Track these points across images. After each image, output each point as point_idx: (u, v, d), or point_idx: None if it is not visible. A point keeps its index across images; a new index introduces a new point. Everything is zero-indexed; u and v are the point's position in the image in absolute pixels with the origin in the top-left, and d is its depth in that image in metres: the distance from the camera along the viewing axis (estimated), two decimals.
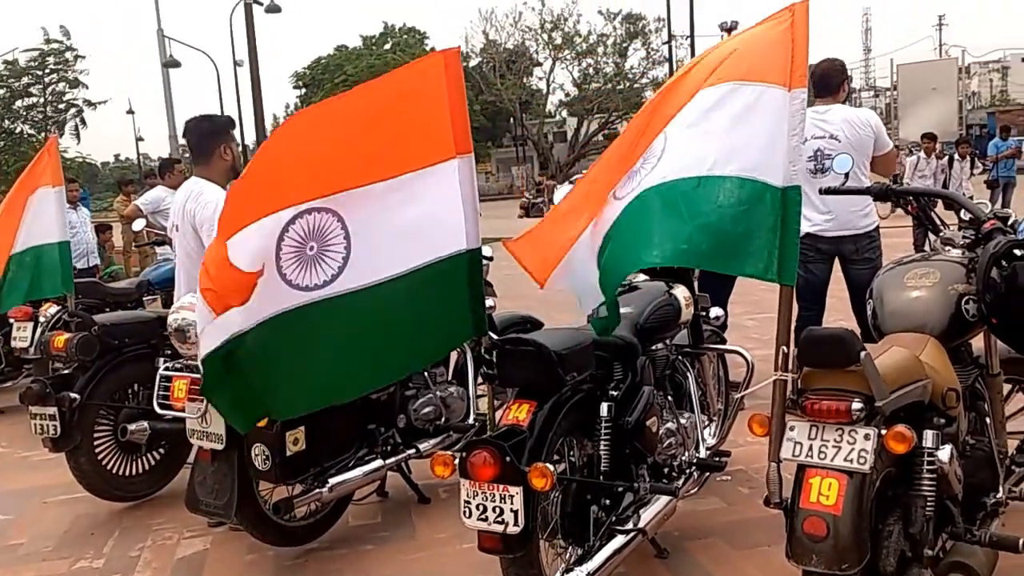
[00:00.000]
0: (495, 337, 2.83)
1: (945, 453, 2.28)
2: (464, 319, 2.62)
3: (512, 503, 2.41)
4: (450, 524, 3.69)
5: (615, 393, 2.90)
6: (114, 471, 4.13)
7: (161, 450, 4.28)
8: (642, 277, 3.55)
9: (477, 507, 2.46)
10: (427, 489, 4.00)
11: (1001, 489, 2.70)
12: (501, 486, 2.42)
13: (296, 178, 2.46)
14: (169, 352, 4.17)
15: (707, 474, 3.36)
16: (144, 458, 4.23)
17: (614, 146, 2.85)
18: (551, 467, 2.42)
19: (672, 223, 2.45)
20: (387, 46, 46.09)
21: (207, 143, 3.69)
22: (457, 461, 2.49)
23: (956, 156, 13.04)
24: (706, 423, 3.66)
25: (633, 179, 2.56)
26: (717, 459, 3.35)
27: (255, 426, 3.00)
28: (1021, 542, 2.30)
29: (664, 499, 2.99)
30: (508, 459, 2.41)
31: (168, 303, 6.46)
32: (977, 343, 2.91)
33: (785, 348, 2.18)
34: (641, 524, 2.83)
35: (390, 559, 3.40)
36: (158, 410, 3.24)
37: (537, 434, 2.57)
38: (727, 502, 3.70)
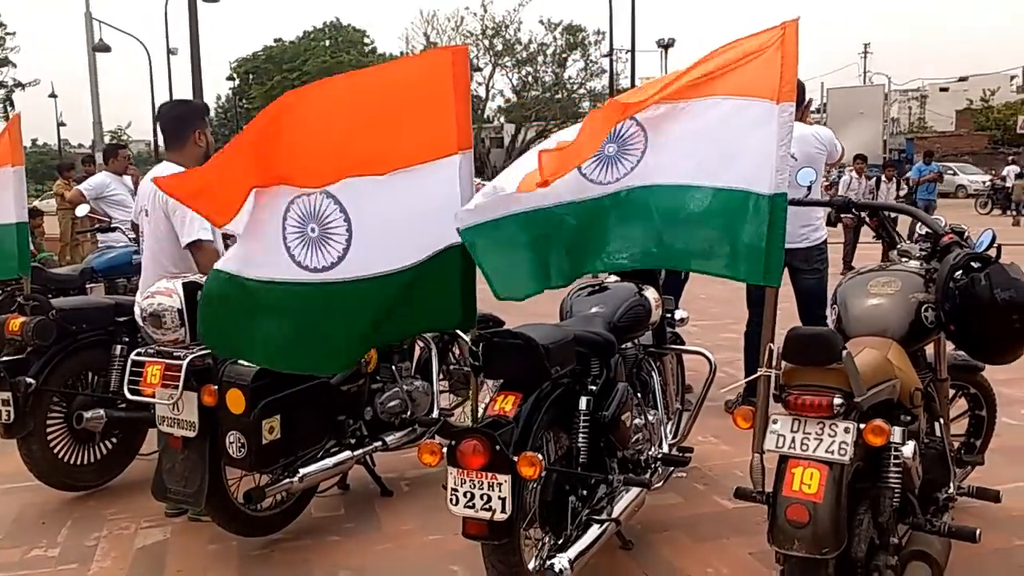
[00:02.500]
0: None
1: (909, 449, 2.43)
2: (454, 309, 2.68)
3: (500, 491, 2.47)
4: (414, 516, 3.72)
5: (593, 388, 2.98)
6: (65, 459, 4.02)
7: (113, 440, 4.19)
8: (613, 278, 3.65)
9: (465, 495, 2.51)
10: (390, 483, 4.02)
11: (952, 485, 2.88)
12: (490, 474, 2.47)
13: (296, 160, 2.50)
14: (127, 339, 4.11)
15: (671, 469, 3.47)
16: (96, 447, 4.13)
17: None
18: (540, 456, 2.49)
19: (664, 226, 2.56)
20: (326, 42, 45.55)
21: (182, 128, 3.64)
22: (445, 450, 2.54)
23: (883, 178, 13.65)
24: (664, 421, 3.78)
25: (610, 168, 2.63)
26: (682, 454, 3.47)
27: (228, 410, 3.03)
28: (978, 532, 2.47)
29: (634, 491, 3.09)
30: (498, 448, 2.47)
31: (111, 291, 6.32)
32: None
33: (771, 345, 2.30)
34: (615, 514, 2.92)
35: (358, 549, 3.41)
36: (128, 396, 3.18)
37: (523, 425, 2.64)
38: (684, 497, 3.83)
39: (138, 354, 3.20)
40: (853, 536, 2.29)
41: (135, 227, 3.87)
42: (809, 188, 3.60)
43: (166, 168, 3.61)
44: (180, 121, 3.67)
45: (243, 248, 2.67)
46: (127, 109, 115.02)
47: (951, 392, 3.37)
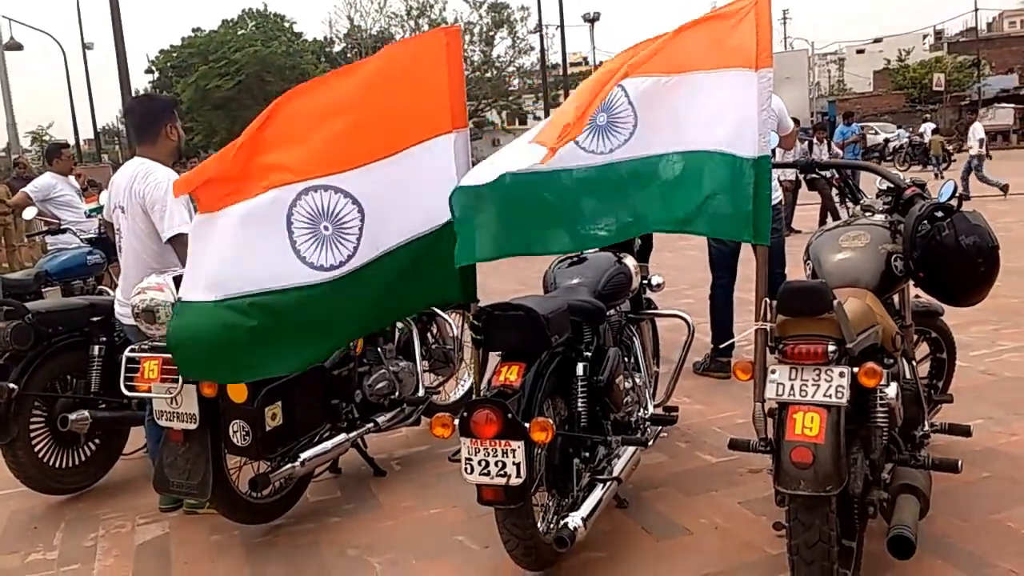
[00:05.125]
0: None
1: (893, 390, 2.60)
2: (454, 283, 2.76)
3: (514, 456, 2.57)
4: (411, 493, 3.80)
5: (588, 354, 3.10)
6: (51, 463, 3.98)
7: (96, 441, 4.16)
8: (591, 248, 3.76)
9: (479, 463, 2.60)
10: (382, 463, 4.09)
11: (925, 423, 3.08)
12: (503, 441, 2.57)
13: (297, 155, 2.53)
14: (104, 339, 4.08)
15: (659, 428, 3.61)
16: (81, 449, 4.10)
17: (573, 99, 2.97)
18: (551, 421, 2.60)
19: (652, 194, 2.68)
20: (241, 32, 44.46)
21: (153, 123, 3.60)
22: (457, 421, 2.63)
23: (814, 140, 14.04)
24: (648, 383, 3.93)
25: (602, 137, 2.72)
26: (668, 413, 3.62)
27: (230, 400, 3.06)
28: (960, 463, 2.66)
29: (631, 450, 3.22)
30: (510, 416, 2.57)
31: (68, 293, 6.19)
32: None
33: (768, 299, 2.44)
34: (615, 473, 3.05)
35: (362, 528, 3.47)
36: (125, 392, 3.18)
37: (528, 393, 2.74)
38: (669, 455, 3.98)
39: (132, 350, 3.19)
40: (849, 474, 2.45)
41: (109, 225, 3.82)
42: (772, 152, 3.77)
43: (141, 164, 3.59)
44: (150, 116, 3.63)
45: (230, 265, 2.60)
46: (46, 110, 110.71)
47: (914, 337, 3.58)
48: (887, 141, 29.74)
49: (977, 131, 16.60)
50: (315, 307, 2.58)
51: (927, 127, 27.20)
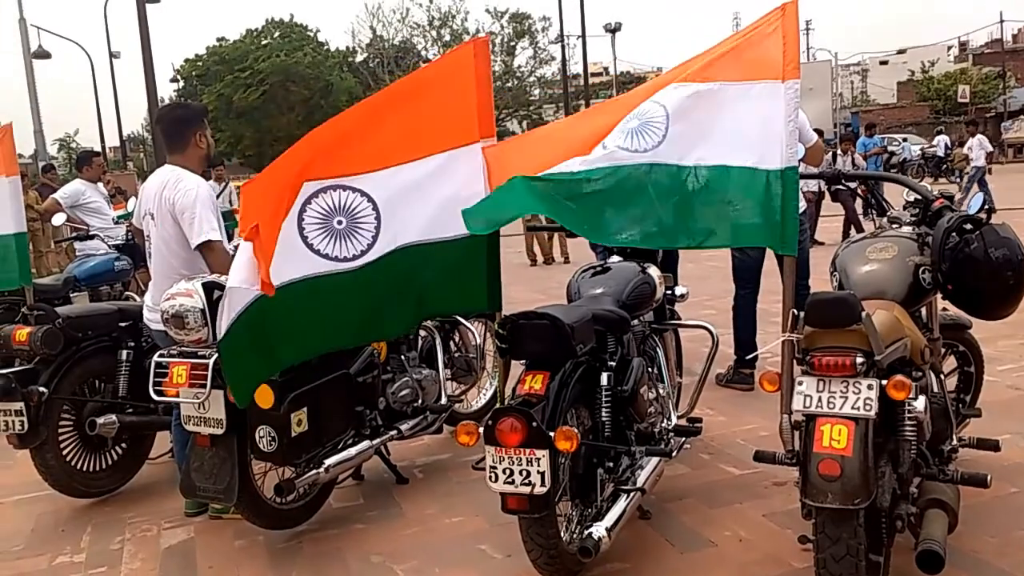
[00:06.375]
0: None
1: (921, 403, 2.58)
2: (480, 291, 2.78)
3: (539, 465, 2.57)
4: (434, 501, 3.81)
5: (612, 364, 3.09)
6: (78, 467, 4.02)
7: (123, 445, 4.20)
8: (615, 258, 3.76)
9: (504, 471, 2.61)
10: (404, 471, 4.10)
11: (953, 437, 3.06)
12: (528, 450, 2.58)
13: (319, 155, 2.57)
14: (132, 344, 4.12)
15: (683, 439, 3.60)
16: (108, 453, 4.14)
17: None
18: (575, 430, 2.60)
19: (686, 207, 2.68)
20: (265, 42, 44.90)
21: (182, 131, 3.65)
22: (482, 429, 2.63)
23: (839, 152, 13.95)
24: (672, 394, 3.91)
25: (635, 138, 2.72)
26: (692, 424, 3.61)
27: (256, 406, 3.09)
28: (988, 477, 2.63)
29: (654, 461, 3.21)
30: (534, 424, 2.57)
31: (95, 298, 6.28)
32: None
33: (795, 311, 2.43)
34: (640, 484, 3.04)
35: (385, 535, 3.48)
36: (154, 397, 3.21)
37: (553, 402, 2.74)
38: (693, 467, 3.96)
39: (161, 355, 3.22)
40: (877, 488, 2.43)
41: (139, 231, 3.86)
42: (798, 163, 3.76)
43: (171, 172, 3.63)
44: (180, 123, 3.67)
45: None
46: (72, 117, 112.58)
47: (942, 350, 3.55)
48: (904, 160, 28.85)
49: (984, 143, 16.45)
50: (333, 296, 2.63)
51: (941, 139, 26.93)
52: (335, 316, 2.73)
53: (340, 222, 2.63)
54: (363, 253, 2.61)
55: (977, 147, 16.57)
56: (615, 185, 2.68)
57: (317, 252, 2.66)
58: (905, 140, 30.82)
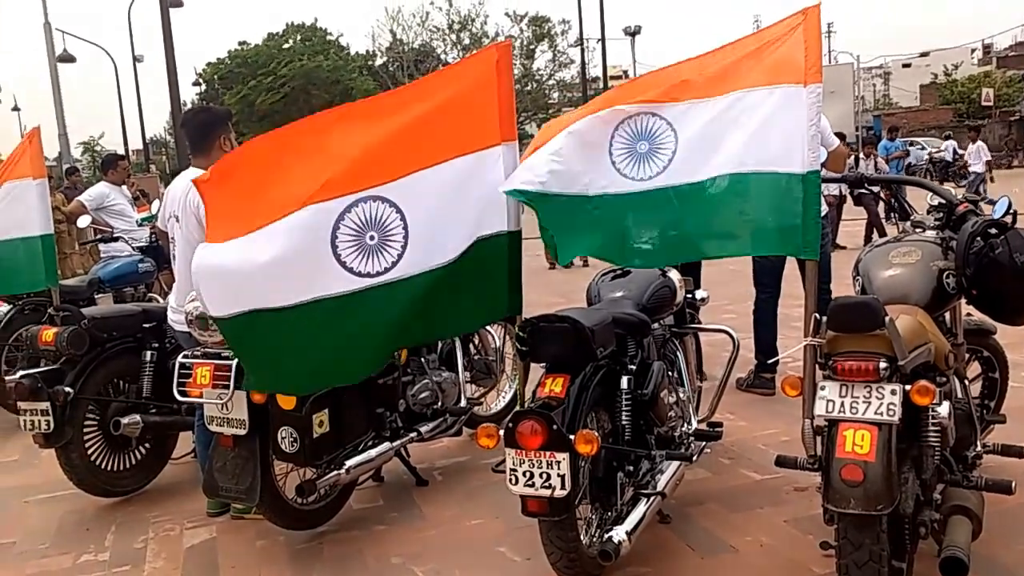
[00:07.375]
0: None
1: (945, 408, 2.56)
2: (501, 297, 2.79)
3: (559, 468, 2.57)
4: (454, 503, 3.82)
5: (632, 367, 3.09)
6: (102, 466, 4.07)
7: (147, 445, 4.25)
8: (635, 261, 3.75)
9: (524, 474, 2.61)
10: (424, 473, 4.11)
11: (978, 443, 3.03)
12: (548, 452, 2.58)
13: (345, 168, 2.57)
14: (156, 345, 4.17)
15: (704, 443, 3.59)
16: (132, 453, 4.19)
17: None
18: (596, 433, 2.60)
19: (697, 220, 2.69)
20: (287, 46, 45.19)
21: (207, 134, 3.69)
22: (502, 432, 2.64)
23: (861, 156, 13.86)
24: (692, 398, 3.90)
25: (643, 164, 2.75)
26: (712, 429, 3.60)
27: (279, 407, 3.11)
28: (1013, 484, 2.61)
29: (674, 465, 3.21)
30: (555, 427, 2.58)
31: (119, 300, 6.36)
32: None
33: (817, 315, 2.42)
34: (660, 488, 3.04)
35: (405, 537, 3.50)
36: (178, 397, 3.25)
37: (573, 405, 2.75)
38: (713, 472, 3.95)
39: (185, 356, 3.26)
40: (900, 494, 2.41)
41: (163, 234, 3.91)
42: (821, 167, 3.74)
43: (193, 174, 3.66)
44: (205, 127, 3.71)
45: (258, 281, 2.60)
46: (96, 120, 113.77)
47: (966, 356, 3.52)
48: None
49: (983, 151, 16.27)
50: (362, 313, 2.61)
51: (949, 144, 26.61)
52: (362, 335, 2.68)
53: (372, 237, 2.61)
54: (392, 266, 2.59)
55: (976, 154, 16.41)
56: (629, 212, 2.72)
57: (347, 267, 2.62)
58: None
